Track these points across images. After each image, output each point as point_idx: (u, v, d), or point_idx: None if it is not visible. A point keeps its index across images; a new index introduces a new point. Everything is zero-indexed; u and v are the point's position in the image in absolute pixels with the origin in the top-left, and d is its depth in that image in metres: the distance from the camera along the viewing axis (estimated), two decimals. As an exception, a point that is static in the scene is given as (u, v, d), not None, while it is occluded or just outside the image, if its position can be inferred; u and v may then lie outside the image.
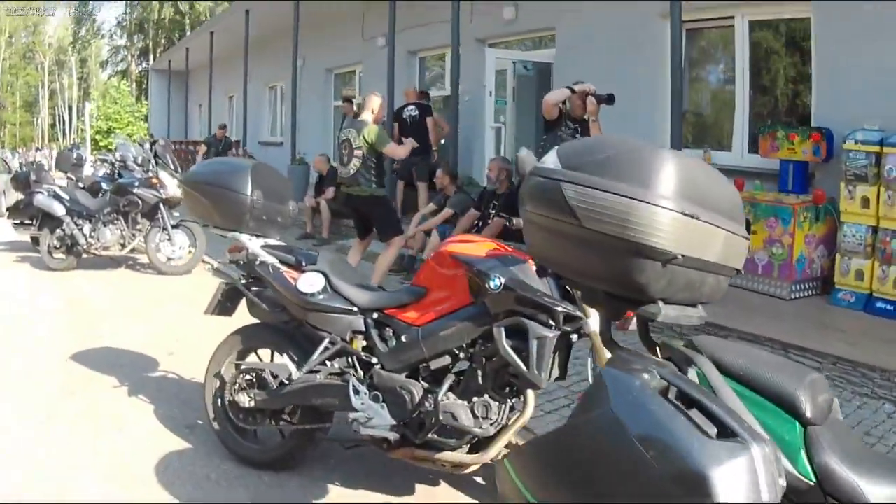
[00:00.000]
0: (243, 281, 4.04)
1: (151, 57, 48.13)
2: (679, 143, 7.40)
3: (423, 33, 12.93)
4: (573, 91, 6.42)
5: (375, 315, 3.49)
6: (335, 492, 3.69)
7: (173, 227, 9.34)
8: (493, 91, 11.46)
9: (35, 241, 10.95)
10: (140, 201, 9.29)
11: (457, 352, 3.19)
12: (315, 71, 17.41)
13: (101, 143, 31.38)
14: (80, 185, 11.36)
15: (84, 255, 9.59)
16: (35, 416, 4.64)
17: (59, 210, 9.45)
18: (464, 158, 11.17)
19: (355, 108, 13.32)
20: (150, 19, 49.33)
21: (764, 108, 8.61)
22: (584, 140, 3.12)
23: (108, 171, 11.81)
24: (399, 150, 8.16)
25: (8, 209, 11.27)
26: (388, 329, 3.44)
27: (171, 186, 9.33)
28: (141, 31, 52.98)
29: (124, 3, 55.20)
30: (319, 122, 17.46)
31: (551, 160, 1.92)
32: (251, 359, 4.05)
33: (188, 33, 40.19)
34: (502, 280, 2.83)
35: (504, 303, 2.86)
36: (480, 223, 8.21)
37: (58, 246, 9.58)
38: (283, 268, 3.83)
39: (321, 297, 3.57)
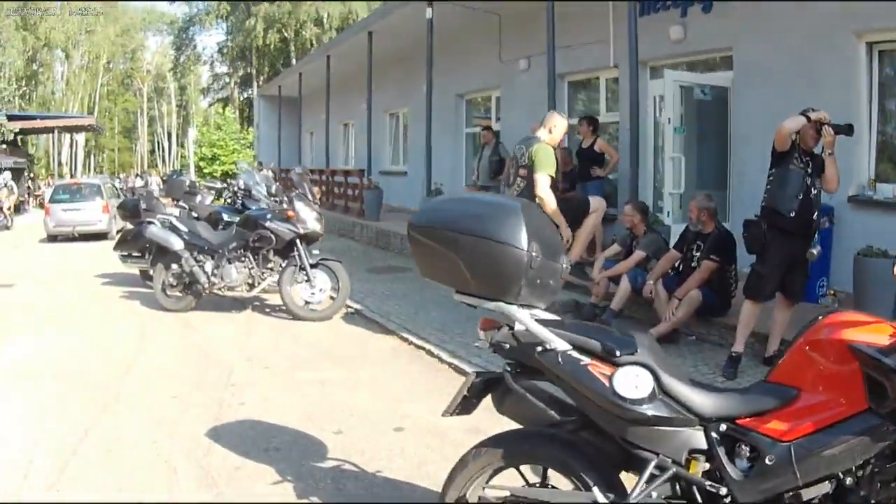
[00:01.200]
0: (510, 370, 2.76)
1: (255, 84, 48.69)
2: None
3: (571, 54, 11.65)
4: (808, 119, 5.62)
5: (724, 427, 2.56)
6: None
7: (312, 266, 8.29)
8: (671, 118, 10.06)
9: (145, 275, 10.17)
10: (273, 237, 8.28)
11: (842, 475, 2.44)
12: (443, 96, 16.39)
13: (205, 171, 31.23)
14: (195, 214, 10.59)
15: (204, 295, 8.62)
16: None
17: (176, 244, 8.53)
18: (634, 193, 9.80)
19: (492, 135, 12.37)
20: (254, 46, 49.86)
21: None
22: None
23: (230, 201, 10.97)
24: (549, 200, 7.08)
25: (116, 239, 10.48)
26: (742, 446, 2.54)
27: (311, 220, 8.30)
28: (243, 58, 53.75)
29: (226, 29, 56.18)
30: (448, 151, 16.38)
31: None
32: (510, 479, 2.82)
33: (294, 62, 40.29)
34: None
35: None
36: (682, 266, 7.10)
37: (174, 283, 8.66)
38: (584, 358, 2.55)
39: (649, 404, 2.47)
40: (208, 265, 8.46)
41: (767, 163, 5.89)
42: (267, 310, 8.88)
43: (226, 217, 9.84)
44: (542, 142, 7.16)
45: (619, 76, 11.22)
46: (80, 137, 42.33)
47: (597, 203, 8.24)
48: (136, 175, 47.25)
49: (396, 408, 5.19)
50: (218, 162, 32.68)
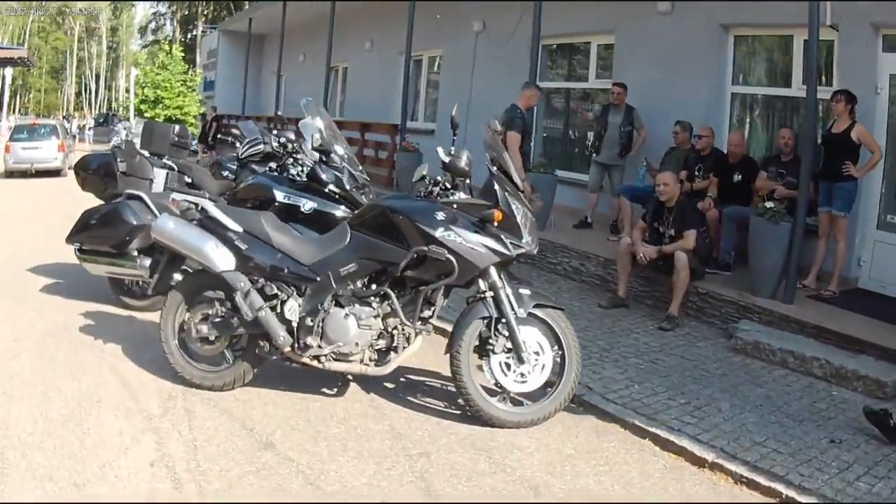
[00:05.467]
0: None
1: (199, 24, 42.40)
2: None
3: None
4: None
5: None
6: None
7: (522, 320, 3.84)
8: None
9: (120, 287, 5.69)
10: (456, 260, 3.89)
11: None
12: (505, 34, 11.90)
13: (146, 115, 25.62)
14: (188, 179, 6.81)
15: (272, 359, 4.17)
16: None
17: (221, 260, 4.01)
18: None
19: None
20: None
21: None
22: None
23: (276, 169, 6.32)
24: None
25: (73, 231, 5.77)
26: None
27: (527, 230, 4.01)
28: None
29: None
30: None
31: None
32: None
33: (247, 5, 34.56)
34: None
35: None
36: None
37: (211, 339, 4.13)
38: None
39: None
40: (292, 307, 3.93)
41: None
42: (397, 391, 4.40)
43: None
44: None
45: (839, 43, 7.28)
46: (9, 73, 35.94)
47: None
48: (64, 117, 40.93)
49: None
50: (161, 105, 27.06)
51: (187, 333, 4.08)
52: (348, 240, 4.01)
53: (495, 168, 4.04)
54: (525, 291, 4.09)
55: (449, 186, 4.07)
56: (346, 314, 3.90)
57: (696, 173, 7.95)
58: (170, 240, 4.04)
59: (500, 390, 4.02)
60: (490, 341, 3.98)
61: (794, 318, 6.11)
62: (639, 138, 9.05)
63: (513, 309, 3.99)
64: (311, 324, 3.92)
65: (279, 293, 3.97)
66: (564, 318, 4.16)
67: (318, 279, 3.95)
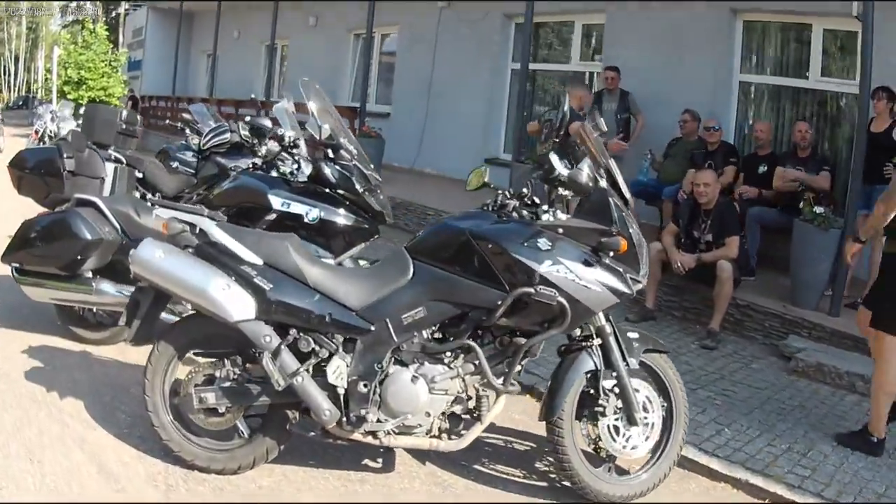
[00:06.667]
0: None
1: (122, 4, 39.50)
2: None
3: None
4: None
5: None
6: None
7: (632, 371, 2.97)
8: None
9: (71, 316, 4.47)
10: (570, 310, 2.95)
11: None
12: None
13: (69, 97, 23.45)
14: (139, 173, 5.68)
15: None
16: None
17: (236, 307, 2.87)
18: None
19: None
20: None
21: None
22: None
23: (262, 163, 5.20)
24: None
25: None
26: None
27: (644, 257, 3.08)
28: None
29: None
30: (483, 96, 10.95)
31: None
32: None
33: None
34: None
35: None
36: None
37: (221, 410, 3.01)
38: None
39: None
40: (338, 368, 2.86)
41: None
42: (458, 458, 3.32)
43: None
44: None
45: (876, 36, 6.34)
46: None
47: None
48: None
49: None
50: (85, 87, 24.79)
51: (184, 400, 2.97)
52: (411, 274, 2.95)
53: (603, 180, 3.05)
54: (633, 335, 3.18)
55: (534, 202, 3.08)
56: (414, 376, 2.87)
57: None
58: (160, 277, 2.88)
59: (604, 458, 3.12)
60: (600, 402, 3.06)
61: (845, 334, 5.45)
62: (637, 125, 8.23)
63: (624, 359, 3.08)
64: (364, 390, 2.86)
65: (318, 349, 2.90)
66: (670, 362, 3.27)
67: (373, 329, 2.89)
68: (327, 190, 4.31)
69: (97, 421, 3.41)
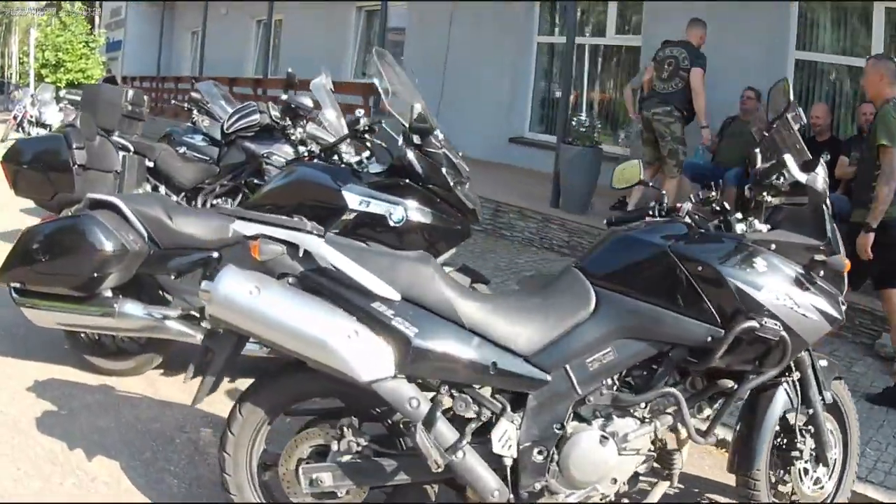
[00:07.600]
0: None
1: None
2: None
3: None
4: None
5: None
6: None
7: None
8: None
9: (85, 343, 3.64)
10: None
11: None
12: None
13: (47, 80, 22.33)
14: (149, 162, 5.04)
15: None
16: None
17: (367, 359, 2.09)
18: None
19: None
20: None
21: None
22: None
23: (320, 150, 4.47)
24: None
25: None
26: None
27: None
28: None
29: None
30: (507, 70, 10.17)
31: None
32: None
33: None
34: None
35: None
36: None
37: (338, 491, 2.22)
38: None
39: None
40: (506, 434, 2.11)
41: None
42: None
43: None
44: None
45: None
46: None
47: None
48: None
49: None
50: (63, 69, 23.71)
51: (285, 479, 2.22)
52: (593, 305, 2.21)
53: (805, 173, 2.30)
54: (823, 362, 2.56)
55: (723, 207, 2.35)
56: (603, 436, 2.15)
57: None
58: (253, 322, 2.04)
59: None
60: (797, 444, 2.46)
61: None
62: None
63: (820, 392, 2.49)
64: (540, 459, 2.14)
65: (480, 409, 2.16)
66: (846, 388, 2.73)
67: (550, 379, 2.15)
68: (427, 187, 3.54)
69: (142, 490, 2.64)
